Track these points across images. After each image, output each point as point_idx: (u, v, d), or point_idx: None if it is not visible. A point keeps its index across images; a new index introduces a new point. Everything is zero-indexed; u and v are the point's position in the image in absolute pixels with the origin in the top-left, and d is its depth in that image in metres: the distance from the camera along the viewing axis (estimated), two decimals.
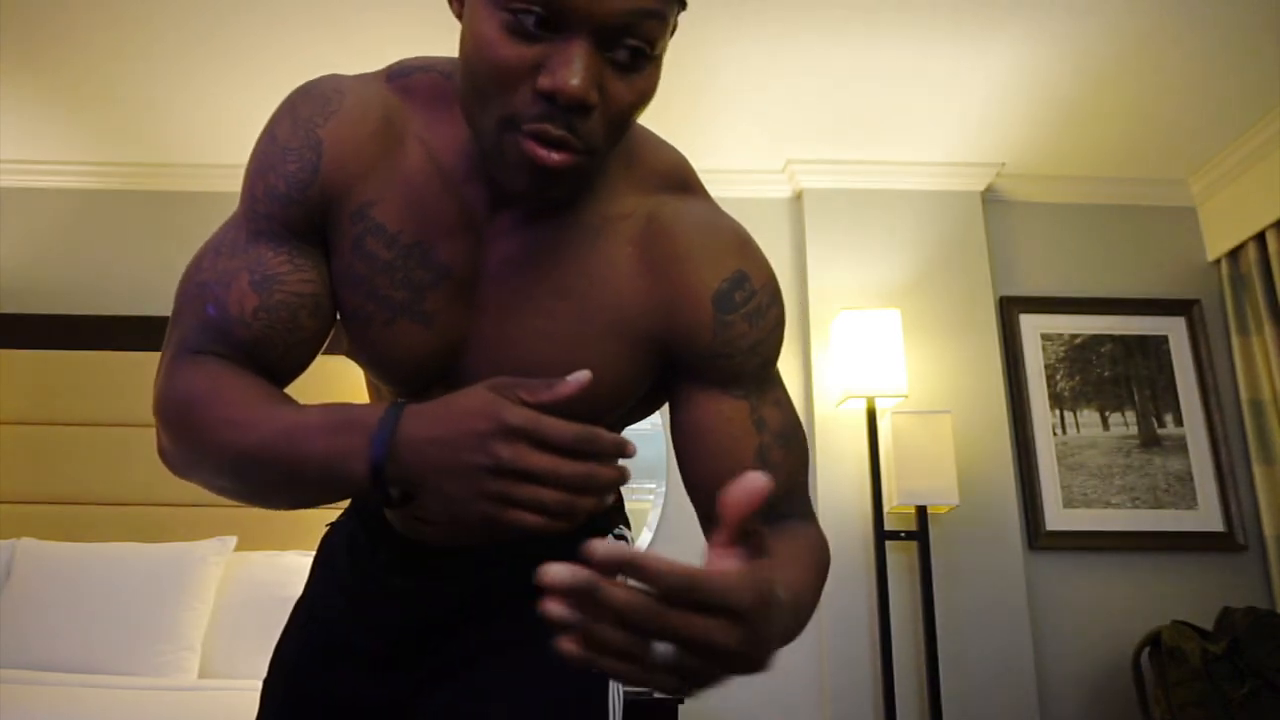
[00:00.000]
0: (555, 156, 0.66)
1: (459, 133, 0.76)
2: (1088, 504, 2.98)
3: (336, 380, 2.08)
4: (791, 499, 0.80)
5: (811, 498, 3.13)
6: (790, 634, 0.66)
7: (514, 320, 0.77)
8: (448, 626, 0.89)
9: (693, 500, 0.81)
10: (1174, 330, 3.16)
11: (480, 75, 0.66)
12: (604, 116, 0.67)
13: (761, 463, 0.77)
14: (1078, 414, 3.07)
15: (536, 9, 0.62)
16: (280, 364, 0.77)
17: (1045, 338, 3.15)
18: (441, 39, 2.51)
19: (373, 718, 0.89)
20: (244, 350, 0.75)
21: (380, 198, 0.76)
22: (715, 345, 0.77)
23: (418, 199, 0.76)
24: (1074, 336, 3.15)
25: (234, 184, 3.16)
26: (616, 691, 0.87)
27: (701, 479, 0.78)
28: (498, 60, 0.65)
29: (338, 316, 0.81)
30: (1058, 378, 3.11)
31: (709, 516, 0.78)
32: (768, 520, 0.71)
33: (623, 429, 0.90)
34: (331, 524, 1.00)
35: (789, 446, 0.80)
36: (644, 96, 0.69)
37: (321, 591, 0.96)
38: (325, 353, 0.84)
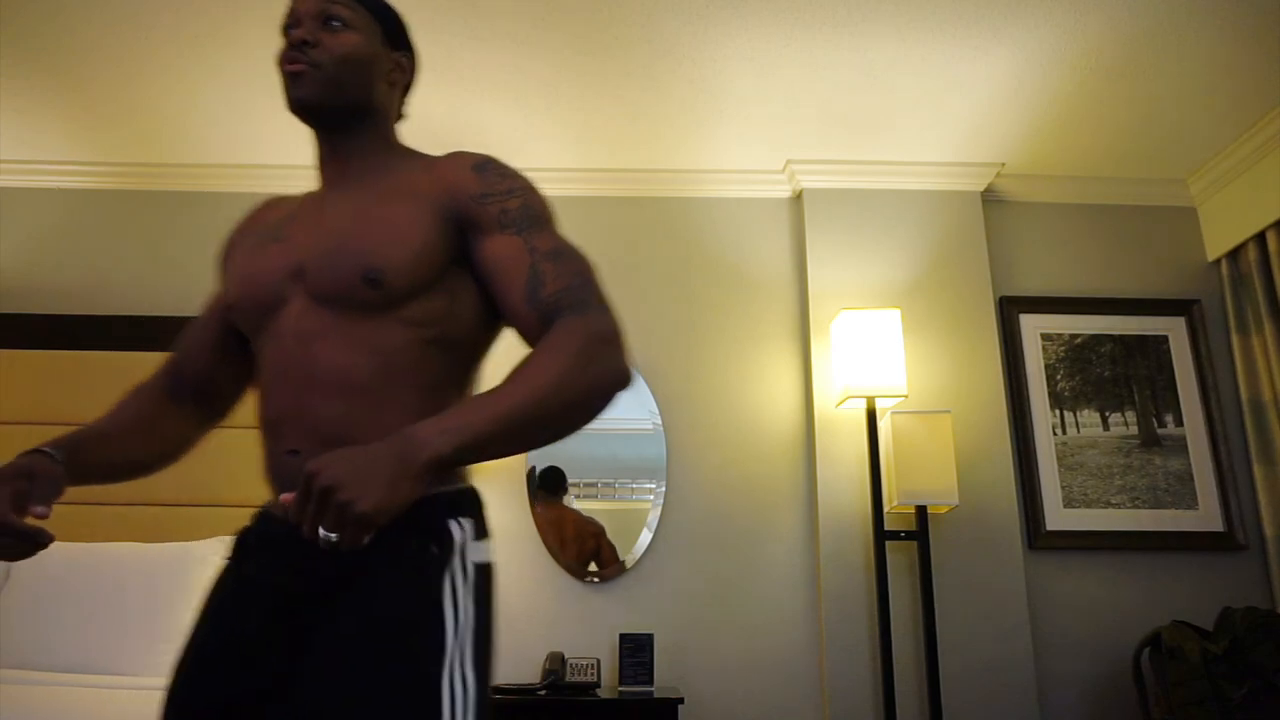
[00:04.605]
0: (291, 66, 1.15)
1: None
2: (1088, 504, 2.98)
3: None
4: (568, 297, 1.04)
5: (810, 497, 3.11)
6: (539, 405, 0.95)
7: (337, 207, 1.16)
8: (297, 618, 1.01)
9: (510, 324, 1.10)
10: (1174, 330, 3.16)
11: (282, 57, 1.19)
12: (330, 53, 1.16)
13: (534, 273, 1.06)
14: (1078, 414, 3.07)
15: (287, 20, 1.19)
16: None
17: (1045, 338, 3.15)
18: (435, 38, 2.51)
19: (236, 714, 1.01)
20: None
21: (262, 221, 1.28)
22: (480, 188, 1.11)
23: (293, 204, 1.26)
24: (1074, 336, 3.15)
25: (232, 184, 3.18)
26: (456, 674, 0.99)
27: (503, 302, 1.09)
28: (285, 46, 1.18)
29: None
30: (1058, 378, 3.11)
31: (520, 334, 1.09)
32: (546, 321, 1.03)
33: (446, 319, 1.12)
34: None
35: (560, 260, 1.07)
36: (352, 44, 1.18)
37: (214, 594, 1.16)
38: None
